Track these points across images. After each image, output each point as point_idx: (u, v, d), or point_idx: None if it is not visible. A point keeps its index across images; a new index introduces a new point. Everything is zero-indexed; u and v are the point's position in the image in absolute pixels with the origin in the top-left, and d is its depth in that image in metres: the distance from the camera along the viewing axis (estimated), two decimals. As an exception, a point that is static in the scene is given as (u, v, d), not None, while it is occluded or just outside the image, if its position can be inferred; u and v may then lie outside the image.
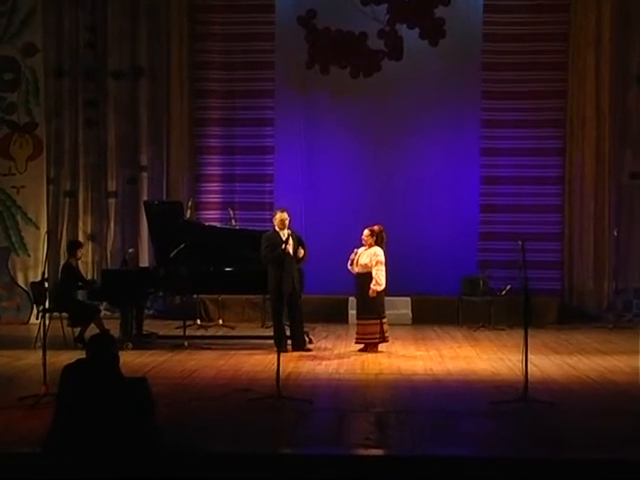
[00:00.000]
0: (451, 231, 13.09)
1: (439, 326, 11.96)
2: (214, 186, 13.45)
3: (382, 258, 9.49)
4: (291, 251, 9.37)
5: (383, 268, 9.48)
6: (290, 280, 9.31)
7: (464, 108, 13.17)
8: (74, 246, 10.56)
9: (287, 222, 9.49)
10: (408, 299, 12.58)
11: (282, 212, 9.57)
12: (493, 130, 13.15)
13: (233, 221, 11.78)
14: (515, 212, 13.10)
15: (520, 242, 7.17)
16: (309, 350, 9.58)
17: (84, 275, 11.03)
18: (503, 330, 11.55)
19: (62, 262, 12.73)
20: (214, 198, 13.41)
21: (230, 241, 10.23)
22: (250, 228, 11.22)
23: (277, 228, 9.43)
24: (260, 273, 9.64)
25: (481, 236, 13.17)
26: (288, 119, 13.37)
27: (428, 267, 12.90)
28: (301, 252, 9.43)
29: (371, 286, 9.40)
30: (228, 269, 9.89)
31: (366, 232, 9.62)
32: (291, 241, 9.36)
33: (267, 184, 13.38)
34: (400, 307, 12.37)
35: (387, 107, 13.20)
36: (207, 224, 11.51)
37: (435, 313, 12.43)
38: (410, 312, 12.51)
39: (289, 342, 9.54)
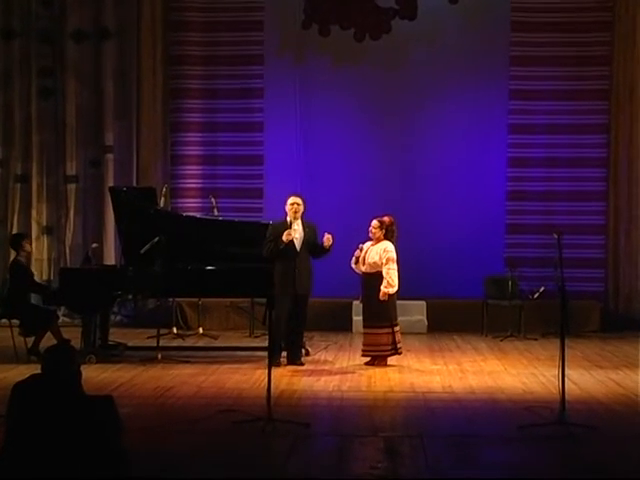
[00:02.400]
0: (473, 223, 13.10)
1: (459, 335, 11.98)
2: (193, 169, 13.45)
3: (394, 255, 9.49)
4: (297, 244, 9.38)
5: (395, 266, 9.48)
6: (290, 279, 9.27)
7: (489, 77, 13.17)
8: (18, 239, 10.51)
9: (300, 209, 9.47)
10: (423, 303, 12.59)
11: (294, 197, 9.54)
12: (523, 103, 13.14)
13: (215, 211, 11.77)
14: (549, 200, 13.12)
15: (555, 235, 7.17)
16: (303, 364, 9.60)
17: (36, 275, 11.00)
18: (535, 340, 11.57)
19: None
20: (193, 184, 13.41)
21: (212, 235, 10.22)
22: (236, 219, 11.21)
23: (288, 217, 9.41)
24: (248, 272, 9.63)
25: (509, 228, 13.18)
26: (281, 90, 13.36)
27: (446, 265, 12.92)
28: (329, 239, 9.35)
29: (381, 288, 9.39)
30: (210, 268, 9.88)
31: (374, 223, 9.62)
32: (298, 233, 9.37)
33: (256, 167, 13.38)
34: (414, 313, 12.38)
35: (398, 76, 13.20)
36: (185, 214, 11.51)
37: (455, 320, 12.44)
38: (425, 319, 12.52)
39: (283, 354, 9.56)
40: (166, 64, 13.34)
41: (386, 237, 9.60)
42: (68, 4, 13.09)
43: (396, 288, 9.50)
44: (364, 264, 9.56)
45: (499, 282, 12.35)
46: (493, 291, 12.40)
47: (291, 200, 9.48)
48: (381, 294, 9.40)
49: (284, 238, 9.20)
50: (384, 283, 9.41)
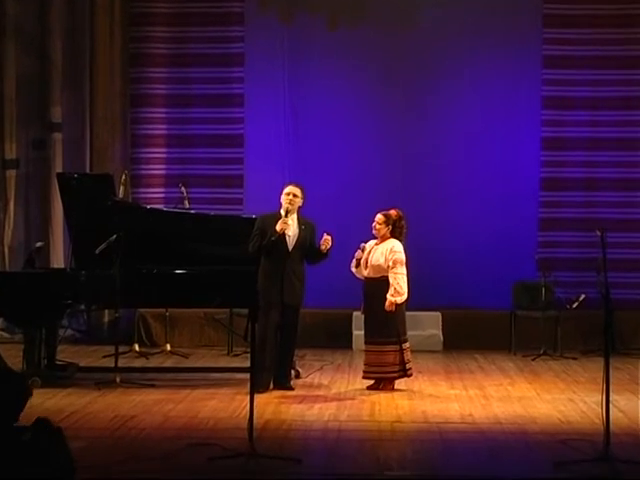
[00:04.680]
0: (499, 217, 13.10)
1: (482, 353, 12.02)
2: (159, 152, 13.42)
3: (402, 256, 9.49)
4: (289, 243, 9.40)
5: (404, 270, 9.48)
6: (278, 285, 9.31)
7: (518, 40, 13.16)
8: None
9: (297, 202, 9.46)
10: (438, 315, 12.61)
11: (292, 186, 9.53)
12: (560, 71, 13.13)
13: (186, 202, 11.77)
14: (591, 189, 13.13)
15: (599, 232, 7.18)
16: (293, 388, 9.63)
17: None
18: (574, 359, 11.60)
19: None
20: (159, 170, 13.39)
21: (182, 231, 10.22)
22: (211, 212, 11.24)
23: (282, 210, 9.44)
24: (226, 277, 9.64)
25: (542, 224, 13.18)
26: (265, 56, 13.33)
27: (466, 269, 12.93)
28: (328, 241, 9.35)
29: (387, 296, 9.39)
30: (179, 271, 9.88)
31: (379, 217, 9.60)
32: (291, 230, 9.37)
33: (235, 149, 13.36)
34: (427, 326, 12.39)
35: (406, 40, 13.17)
36: (149, 207, 11.48)
37: (476, 335, 12.47)
38: (441, 333, 12.53)
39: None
40: (126, 23, 13.30)
41: (393, 235, 9.60)
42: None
43: (405, 296, 9.50)
44: (367, 267, 9.56)
45: (530, 289, 12.37)
46: (523, 300, 12.42)
47: (287, 189, 9.49)
48: (387, 304, 9.40)
49: (278, 227, 9.21)
50: (391, 290, 9.41)
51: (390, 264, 9.43)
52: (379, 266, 9.49)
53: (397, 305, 9.44)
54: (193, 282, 9.91)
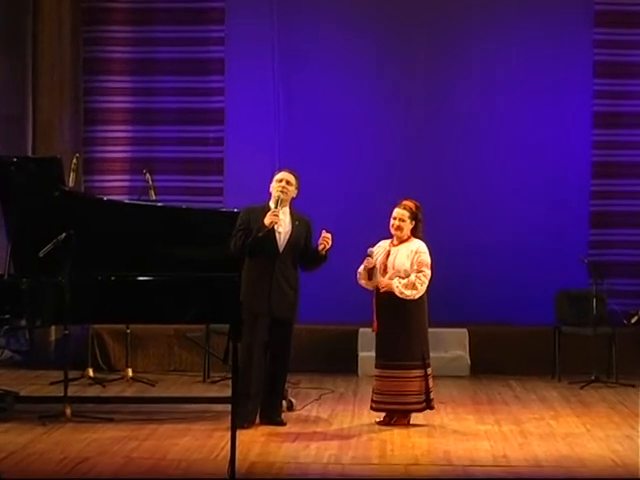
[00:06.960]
0: (540, 211, 13.16)
1: (518, 379, 12.05)
2: (118, 131, 13.44)
3: (429, 258, 9.44)
4: (280, 242, 9.42)
5: (429, 274, 9.43)
6: (265, 294, 9.34)
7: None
8: None
9: (290, 191, 9.47)
10: (464, 332, 12.66)
11: (285, 173, 9.55)
12: (616, 31, 13.15)
13: (152, 192, 11.78)
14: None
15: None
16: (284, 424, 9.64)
17: None
18: (633, 387, 11.64)
19: None
20: (118, 152, 13.41)
21: (147, 228, 10.23)
22: (184, 205, 11.29)
23: (271, 201, 9.46)
24: (202, 285, 9.65)
25: (594, 219, 13.23)
26: (250, 11, 13.35)
27: (498, 276, 12.95)
28: (327, 239, 9.34)
29: (394, 281, 9.30)
30: (143, 278, 9.89)
31: (402, 213, 9.49)
32: (282, 226, 9.40)
33: (212, 127, 13.39)
34: (451, 346, 12.42)
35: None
36: (105, 198, 11.50)
37: (511, 357, 12.50)
38: (467, 355, 12.56)
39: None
40: (77, -29, 13.37)
41: (414, 232, 9.56)
42: None
43: (414, 295, 9.37)
44: (385, 273, 9.43)
45: (578, 300, 12.40)
46: (569, 314, 12.46)
47: (279, 176, 9.50)
48: (384, 284, 9.34)
49: (266, 221, 9.19)
50: (405, 281, 9.33)
51: (415, 267, 9.40)
52: (405, 271, 9.42)
53: (411, 315, 9.42)
54: (160, 292, 9.90)
